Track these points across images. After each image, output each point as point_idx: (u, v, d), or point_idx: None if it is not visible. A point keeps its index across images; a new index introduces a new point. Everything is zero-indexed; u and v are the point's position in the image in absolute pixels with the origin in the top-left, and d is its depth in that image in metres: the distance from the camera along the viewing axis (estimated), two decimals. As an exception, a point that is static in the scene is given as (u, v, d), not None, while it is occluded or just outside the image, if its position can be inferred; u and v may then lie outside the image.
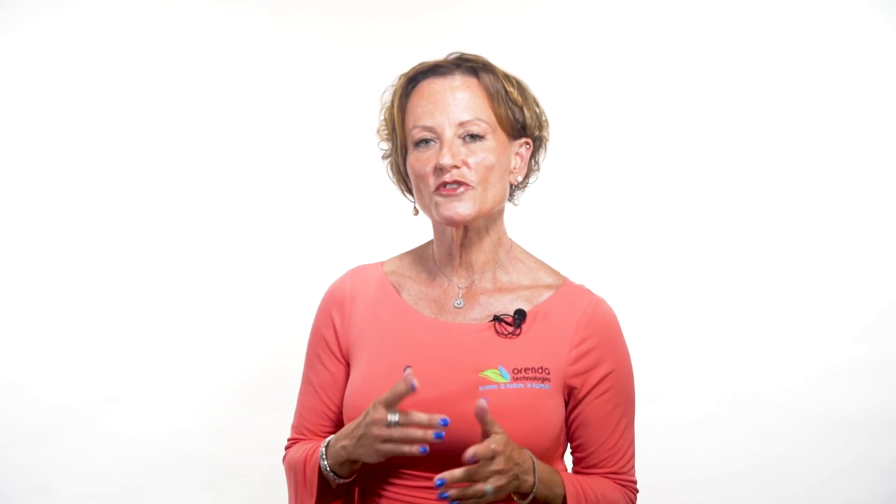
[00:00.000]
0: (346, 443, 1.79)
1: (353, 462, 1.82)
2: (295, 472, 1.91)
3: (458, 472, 1.70)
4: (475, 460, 1.70)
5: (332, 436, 1.86)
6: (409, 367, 1.76)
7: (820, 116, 3.27)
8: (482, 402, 1.71)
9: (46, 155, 3.26)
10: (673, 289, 3.29)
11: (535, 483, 1.78)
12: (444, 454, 1.81)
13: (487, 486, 1.70)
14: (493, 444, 1.71)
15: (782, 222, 3.27)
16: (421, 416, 1.71)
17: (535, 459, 1.80)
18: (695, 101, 3.30)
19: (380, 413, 1.73)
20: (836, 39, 3.26)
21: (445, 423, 1.71)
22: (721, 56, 3.29)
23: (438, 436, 1.71)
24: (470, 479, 1.70)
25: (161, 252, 3.28)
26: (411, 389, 1.70)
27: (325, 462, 1.84)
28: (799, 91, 3.27)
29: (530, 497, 1.79)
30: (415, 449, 1.72)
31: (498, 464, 1.71)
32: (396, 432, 1.72)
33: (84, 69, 3.27)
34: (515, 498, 1.80)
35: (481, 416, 1.72)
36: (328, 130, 3.33)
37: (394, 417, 1.72)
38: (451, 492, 1.70)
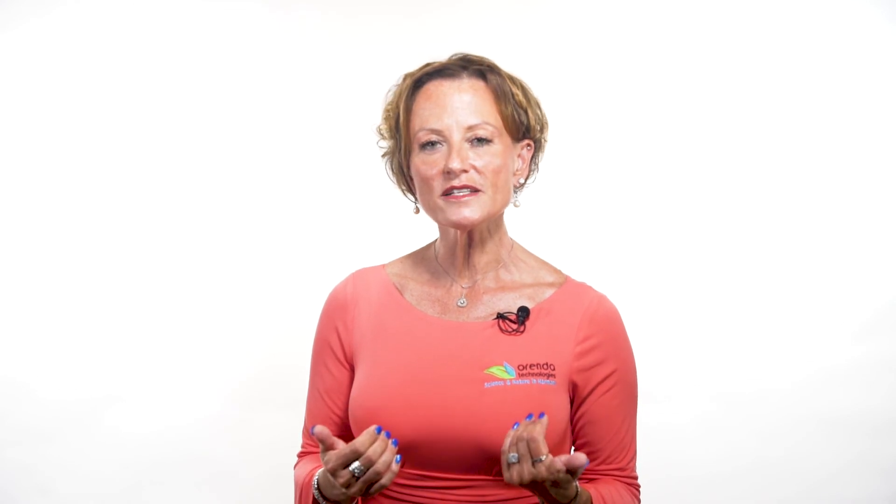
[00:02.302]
0: (335, 492, 1.78)
1: None
2: (300, 493, 1.91)
3: (530, 429, 1.70)
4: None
5: (320, 474, 1.83)
6: (315, 426, 1.74)
7: (820, 116, 3.27)
8: (583, 458, 1.69)
9: (47, 154, 3.26)
10: (672, 288, 3.29)
11: None
12: (452, 454, 1.83)
13: (513, 455, 1.70)
14: (546, 468, 1.69)
15: (782, 222, 3.27)
16: (375, 448, 1.71)
17: (578, 493, 1.78)
18: (695, 101, 3.30)
19: (343, 478, 1.72)
20: (836, 39, 3.26)
21: (395, 444, 1.74)
22: (721, 56, 3.29)
23: (394, 443, 1.74)
24: (521, 444, 1.70)
25: (161, 252, 3.28)
26: (329, 438, 1.72)
27: (319, 492, 1.83)
28: (799, 91, 3.27)
29: None
30: (394, 467, 1.73)
31: (528, 474, 1.70)
32: (366, 476, 1.72)
33: (84, 66, 3.27)
34: None
35: (578, 467, 1.69)
36: (330, 130, 3.32)
37: (357, 469, 1.72)
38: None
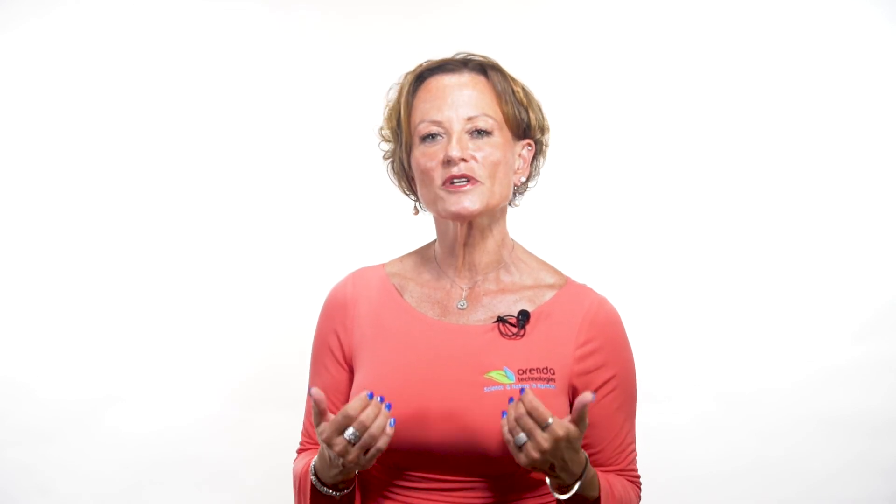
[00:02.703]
0: (333, 472, 1.79)
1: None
2: (298, 484, 1.91)
3: (527, 400, 1.69)
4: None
5: (316, 459, 1.84)
6: (313, 388, 1.76)
7: (819, 116, 3.27)
8: (588, 395, 1.69)
9: (47, 154, 3.26)
10: (672, 289, 3.29)
11: (573, 487, 1.76)
12: (452, 456, 1.83)
13: (521, 436, 1.69)
14: (557, 426, 1.68)
15: (782, 222, 3.27)
16: (368, 413, 1.71)
17: (586, 471, 1.77)
18: (695, 102, 3.30)
19: (339, 446, 1.72)
20: (836, 39, 3.26)
21: (388, 408, 1.75)
22: (721, 57, 3.29)
23: (388, 407, 1.75)
24: (524, 419, 1.69)
25: (161, 252, 3.28)
26: (323, 403, 1.72)
27: (316, 478, 1.84)
28: (799, 91, 3.27)
29: (566, 497, 1.77)
30: (388, 430, 1.73)
31: (545, 442, 1.69)
32: (362, 442, 1.72)
33: (84, 66, 3.27)
34: (552, 490, 1.79)
35: (581, 408, 1.70)
36: (330, 131, 3.32)
37: (352, 435, 1.72)
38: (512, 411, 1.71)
